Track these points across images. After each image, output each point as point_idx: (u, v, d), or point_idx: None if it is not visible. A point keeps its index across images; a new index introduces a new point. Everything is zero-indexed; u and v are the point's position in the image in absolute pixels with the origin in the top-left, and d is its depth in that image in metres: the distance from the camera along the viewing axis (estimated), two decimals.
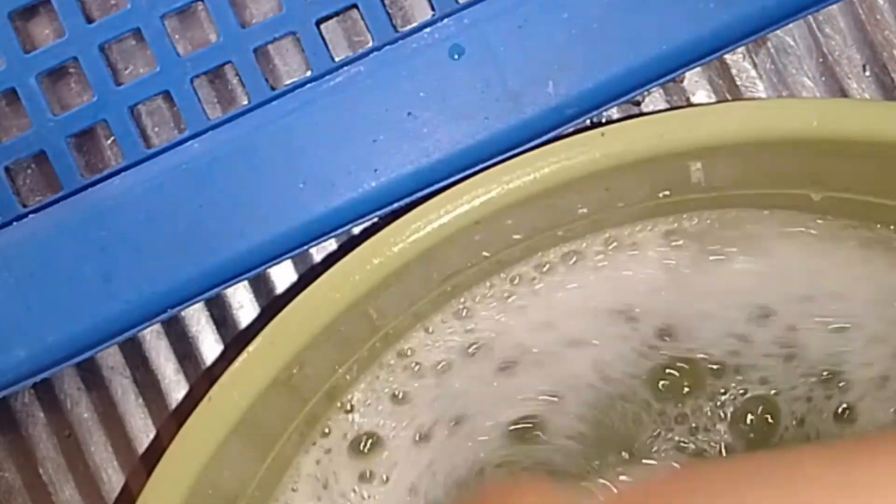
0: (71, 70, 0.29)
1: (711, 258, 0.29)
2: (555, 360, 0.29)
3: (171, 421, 0.30)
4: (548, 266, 0.30)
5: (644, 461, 0.29)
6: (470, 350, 0.29)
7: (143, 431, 0.30)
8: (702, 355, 0.29)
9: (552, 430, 0.29)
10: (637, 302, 0.29)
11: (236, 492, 0.28)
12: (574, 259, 0.29)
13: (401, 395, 0.29)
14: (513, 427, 0.29)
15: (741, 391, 0.29)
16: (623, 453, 0.29)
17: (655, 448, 0.29)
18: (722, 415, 0.29)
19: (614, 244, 0.29)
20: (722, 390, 0.29)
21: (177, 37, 0.29)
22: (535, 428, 0.29)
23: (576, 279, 0.29)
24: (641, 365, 0.29)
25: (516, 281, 0.30)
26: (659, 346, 0.29)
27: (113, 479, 0.30)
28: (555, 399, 0.29)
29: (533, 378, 0.29)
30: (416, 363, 0.30)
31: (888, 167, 0.27)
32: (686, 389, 0.29)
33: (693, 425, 0.29)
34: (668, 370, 0.29)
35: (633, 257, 0.29)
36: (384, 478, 0.29)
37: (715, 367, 0.29)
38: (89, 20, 0.28)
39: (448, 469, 0.29)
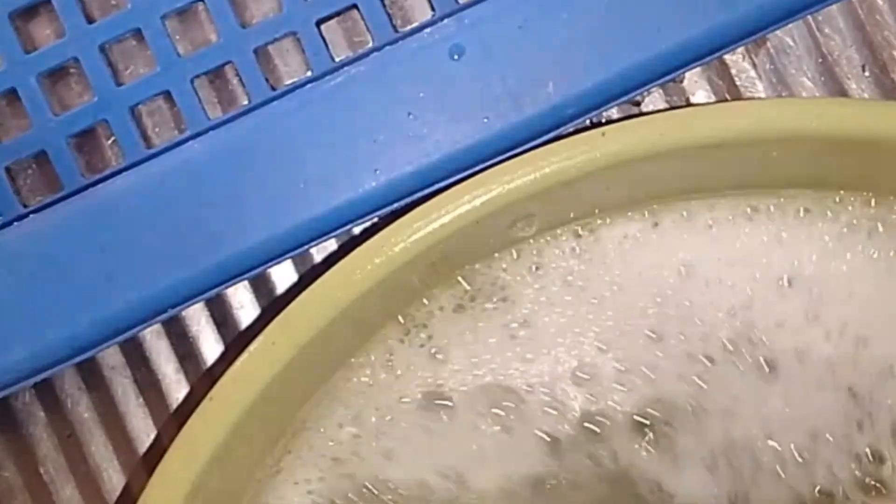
0: (71, 70, 0.29)
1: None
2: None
3: (172, 421, 0.30)
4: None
5: None
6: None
7: (143, 431, 0.30)
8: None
9: None
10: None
11: (238, 491, 0.28)
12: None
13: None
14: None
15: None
16: None
17: None
18: None
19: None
20: None
21: (177, 37, 0.29)
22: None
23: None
24: None
25: (516, 282, 0.30)
26: None
27: (114, 478, 0.30)
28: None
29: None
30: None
31: (887, 167, 0.27)
32: None
33: None
34: None
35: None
36: None
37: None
38: (90, 20, 0.28)
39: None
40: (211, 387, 0.26)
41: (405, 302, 0.29)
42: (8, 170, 0.28)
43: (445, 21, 0.28)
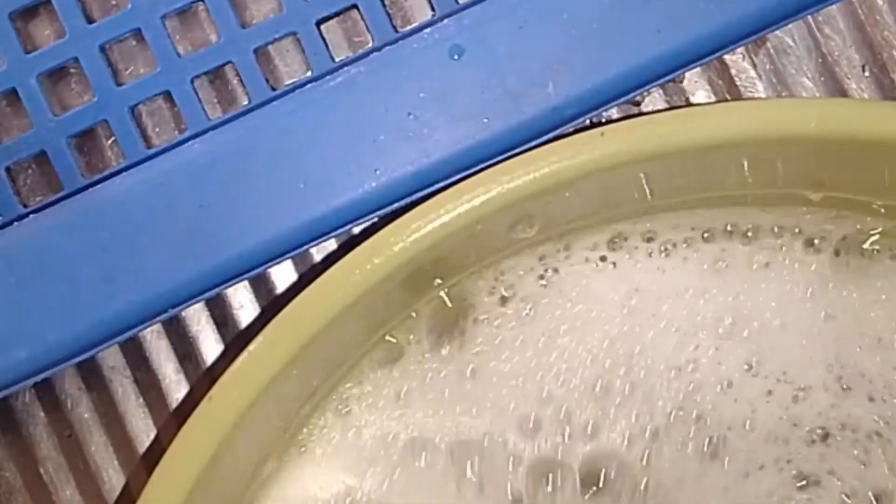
0: (71, 70, 0.29)
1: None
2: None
3: (172, 421, 0.30)
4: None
5: None
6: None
7: (143, 431, 0.30)
8: None
9: None
10: None
11: (238, 491, 0.28)
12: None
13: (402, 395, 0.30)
14: None
15: None
16: None
17: None
18: None
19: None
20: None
21: (177, 37, 0.29)
22: None
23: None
24: None
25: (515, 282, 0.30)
26: None
27: (114, 478, 0.30)
28: None
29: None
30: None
31: (888, 167, 0.27)
32: None
33: None
34: None
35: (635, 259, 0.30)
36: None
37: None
38: (90, 21, 0.28)
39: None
40: (211, 387, 0.26)
41: (403, 306, 0.29)
42: (8, 170, 0.28)
43: (445, 21, 0.28)
